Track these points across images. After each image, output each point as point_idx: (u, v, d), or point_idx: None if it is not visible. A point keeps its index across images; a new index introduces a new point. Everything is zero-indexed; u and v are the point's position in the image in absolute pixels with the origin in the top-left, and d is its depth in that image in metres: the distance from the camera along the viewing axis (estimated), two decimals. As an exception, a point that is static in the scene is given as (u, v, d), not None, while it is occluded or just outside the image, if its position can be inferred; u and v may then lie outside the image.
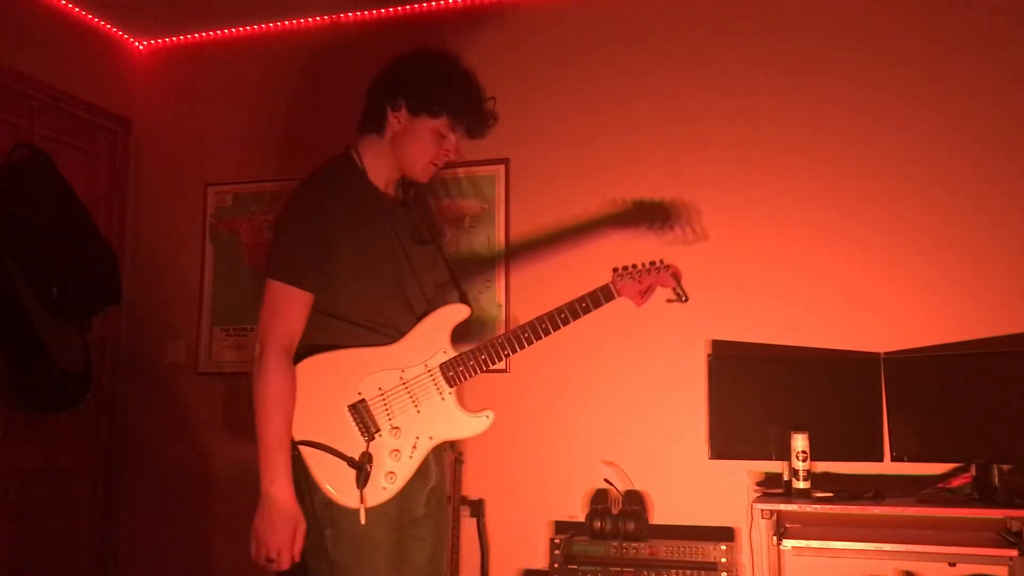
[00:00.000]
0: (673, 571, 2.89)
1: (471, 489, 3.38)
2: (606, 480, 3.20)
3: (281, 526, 1.91)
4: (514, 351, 2.14)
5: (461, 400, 2.14)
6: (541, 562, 3.25)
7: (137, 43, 4.04)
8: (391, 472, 2.01)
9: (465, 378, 2.11)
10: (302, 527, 1.95)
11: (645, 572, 2.90)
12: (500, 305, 3.43)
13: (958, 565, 2.67)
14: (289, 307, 1.99)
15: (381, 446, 2.02)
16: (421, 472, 2.08)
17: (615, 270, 2.26)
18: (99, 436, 3.81)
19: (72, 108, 3.70)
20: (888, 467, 2.90)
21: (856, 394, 2.94)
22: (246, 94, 3.88)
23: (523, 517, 3.32)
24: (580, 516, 3.16)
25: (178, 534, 3.72)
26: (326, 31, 3.80)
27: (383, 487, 2.00)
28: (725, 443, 3.00)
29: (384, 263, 2.09)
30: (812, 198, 3.17)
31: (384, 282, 2.09)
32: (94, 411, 3.75)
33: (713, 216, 3.25)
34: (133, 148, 4.00)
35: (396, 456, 2.03)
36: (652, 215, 3.22)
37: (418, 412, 2.07)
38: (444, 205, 3.54)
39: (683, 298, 2.29)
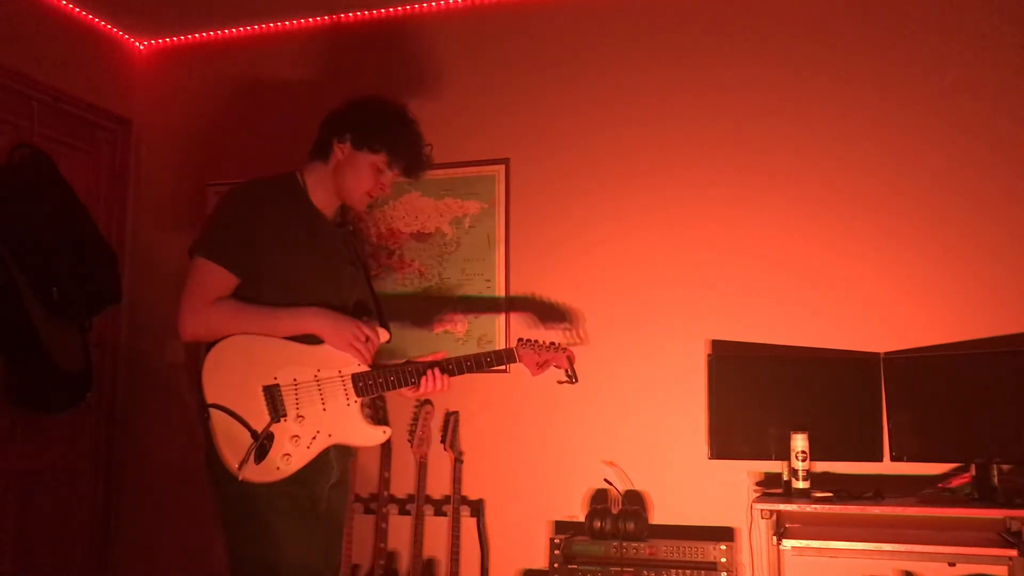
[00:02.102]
0: (673, 571, 2.89)
1: (471, 489, 3.39)
2: (606, 480, 3.20)
3: (339, 323, 2.22)
4: (417, 381, 2.30)
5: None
6: (541, 562, 3.25)
7: (137, 43, 4.04)
8: (287, 454, 2.16)
9: (373, 392, 2.27)
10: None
11: (645, 572, 2.91)
12: (500, 306, 3.43)
13: (958, 565, 2.67)
14: (215, 283, 2.18)
15: (284, 430, 2.16)
16: (321, 468, 2.22)
17: (519, 340, 2.49)
18: (99, 436, 3.81)
19: (72, 108, 3.70)
20: (888, 467, 2.90)
21: (856, 394, 2.94)
22: (246, 94, 3.88)
23: (523, 517, 3.32)
24: (580, 516, 3.16)
25: (178, 534, 3.72)
26: (326, 31, 3.80)
27: (277, 467, 2.14)
28: (725, 443, 3.00)
29: (311, 273, 2.26)
30: (812, 198, 3.17)
31: (309, 290, 2.25)
32: (94, 411, 3.76)
33: (713, 215, 3.25)
34: (133, 148, 4.01)
35: (296, 441, 2.17)
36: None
37: (324, 410, 2.22)
38: (444, 204, 3.54)
39: (573, 380, 2.51)
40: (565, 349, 2.49)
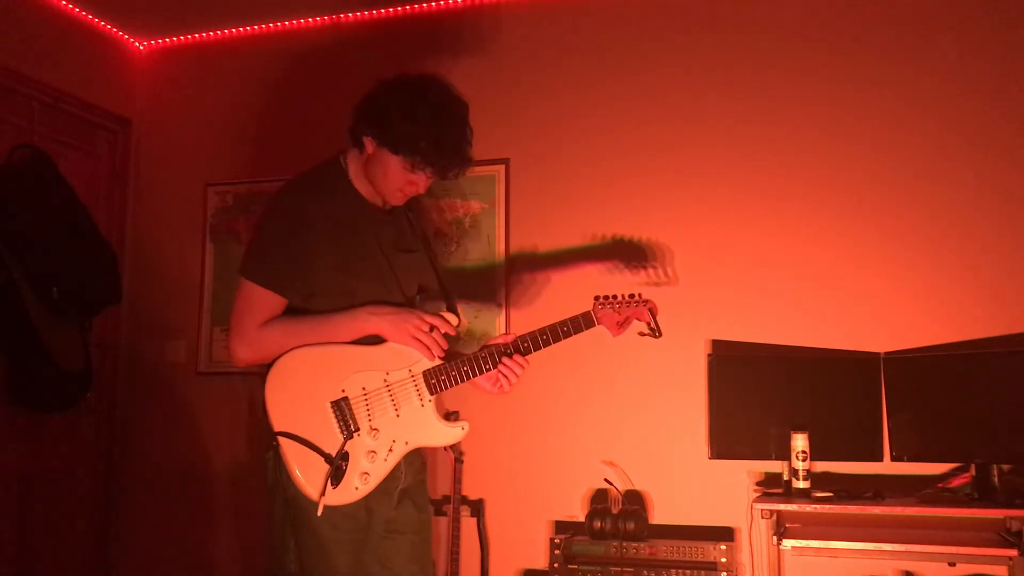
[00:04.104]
0: (673, 571, 2.89)
1: (471, 489, 3.39)
2: (606, 480, 3.20)
3: (397, 318, 2.09)
4: (494, 366, 2.15)
5: (441, 405, 2.15)
6: (541, 562, 3.25)
7: (137, 43, 4.05)
8: (365, 473, 2.03)
9: (446, 387, 2.13)
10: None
11: (645, 572, 2.91)
12: (500, 305, 3.43)
13: (958, 565, 2.68)
14: (264, 306, 2.05)
15: (359, 446, 2.04)
16: (389, 474, 2.08)
17: (596, 299, 2.22)
18: (99, 436, 3.81)
19: (72, 108, 3.70)
20: (888, 467, 2.90)
21: (856, 394, 2.94)
22: (246, 94, 3.88)
23: (523, 517, 3.32)
24: (580, 516, 3.16)
25: (178, 534, 3.72)
26: (326, 31, 3.80)
27: (355, 487, 2.02)
28: (725, 443, 3.00)
29: (364, 266, 2.13)
30: (812, 198, 3.17)
31: (363, 284, 2.12)
32: (94, 411, 3.75)
33: (713, 215, 3.25)
34: (133, 148, 4.01)
35: (372, 457, 2.05)
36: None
37: (397, 416, 2.09)
38: (444, 205, 3.54)
39: (657, 333, 2.24)
40: (647, 301, 2.21)
